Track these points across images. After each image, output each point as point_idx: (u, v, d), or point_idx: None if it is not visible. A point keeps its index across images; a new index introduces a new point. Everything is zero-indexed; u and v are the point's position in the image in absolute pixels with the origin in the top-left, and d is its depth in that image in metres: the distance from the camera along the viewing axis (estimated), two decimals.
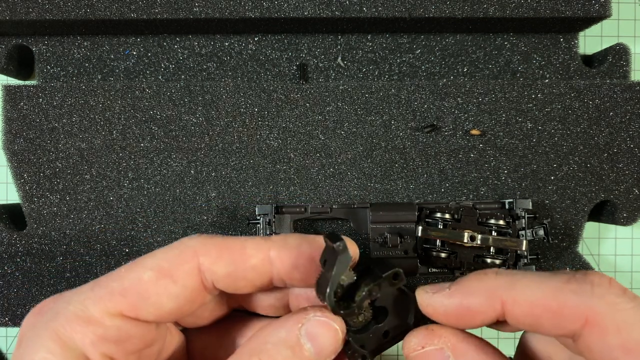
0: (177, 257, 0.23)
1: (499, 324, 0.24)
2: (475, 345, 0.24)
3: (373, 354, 0.26)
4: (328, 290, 0.23)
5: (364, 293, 0.24)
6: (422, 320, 0.26)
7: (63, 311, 0.21)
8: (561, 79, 0.42)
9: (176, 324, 0.28)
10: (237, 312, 0.30)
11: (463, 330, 0.25)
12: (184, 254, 0.23)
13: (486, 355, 0.24)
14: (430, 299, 0.24)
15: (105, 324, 0.21)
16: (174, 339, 0.27)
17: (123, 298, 0.22)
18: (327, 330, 0.23)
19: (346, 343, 0.25)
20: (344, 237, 0.24)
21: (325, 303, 0.23)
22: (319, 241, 0.25)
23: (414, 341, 0.25)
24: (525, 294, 0.22)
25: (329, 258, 0.23)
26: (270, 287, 0.26)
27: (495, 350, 0.24)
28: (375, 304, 0.26)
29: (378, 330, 0.26)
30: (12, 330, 0.45)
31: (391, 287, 0.24)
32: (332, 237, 0.23)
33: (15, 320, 0.40)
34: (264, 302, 0.28)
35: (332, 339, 0.23)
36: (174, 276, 0.22)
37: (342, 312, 0.24)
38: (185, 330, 0.28)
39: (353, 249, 0.24)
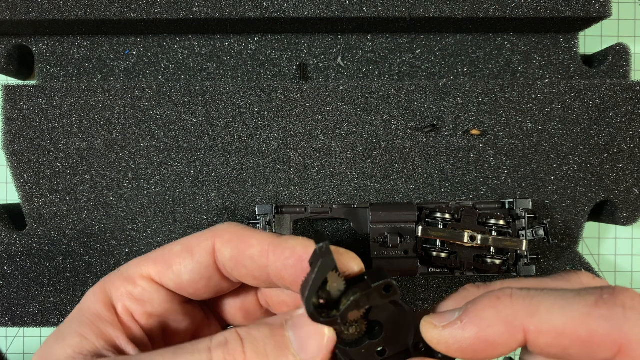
0: (202, 236, 0.26)
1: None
2: None
3: None
4: (307, 293, 0.22)
5: (349, 303, 0.22)
6: (422, 341, 0.24)
7: (115, 274, 0.26)
8: (561, 79, 0.42)
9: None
10: None
11: None
12: (206, 234, 0.26)
13: None
14: (440, 335, 0.22)
15: (136, 282, 0.26)
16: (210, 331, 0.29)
17: (154, 264, 0.26)
18: (314, 332, 0.23)
19: (334, 356, 0.23)
20: (353, 256, 0.23)
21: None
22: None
23: None
24: (551, 322, 0.20)
25: (313, 261, 0.22)
26: (270, 285, 0.26)
27: None
28: (370, 317, 0.24)
29: (372, 347, 0.24)
30: (12, 330, 0.45)
31: (382, 300, 0.23)
32: (317, 237, 0.23)
33: (15, 320, 0.40)
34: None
35: (318, 341, 0.23)
36: (193, 251, 0.25)
37: (321, 319, 0.22)
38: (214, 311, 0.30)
39: (357, 262, 0.24)
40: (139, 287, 0.26)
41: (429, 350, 0.24)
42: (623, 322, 0.19)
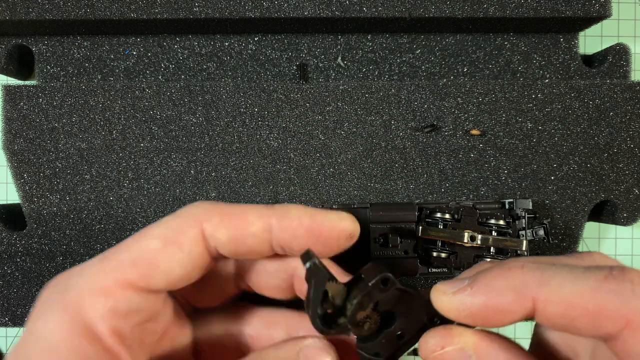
0: (182, 224, 0.23)
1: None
2: (497, 342, 0.23)
3: (391, 359, 0.24)
4: (310, 313, 0.22)
5: (353, 307, 0.23)
6: (437, 315, 0.24)
7: (75, 284, 0.22)
8: (561, 79, 0.42)
9: (187, 305, 0.28)
10: (243, 302, 0.30)
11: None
12: (187, 221, 0.23)
13: (510, 353, 0.22)
14: (450, 301, 0.22)
15: (116, 295, 0.21)
16: (181, 327, 0.27)
17: (134, 268, 0.22)
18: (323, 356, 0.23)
19: (359, 355, 0.24)
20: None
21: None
22: (321, 215, 0.24)
23: (432, 342, 0.23)
24: (560, 293, 0.20)
25: (308, 278, 0.23)
26: (271, 254, 0.26)
27: (518, 347, 0.23)
28: (380, 308, 0.24)
29: (390, 334, 0.25)
30: (12, 331, 0.45)
31: (383, 293, 0.23)
32: (304, 256, 0.22)
33: (15, 320, 0.40)
34: (270, 284, 0.28)
35: None
36: (180, 243, 0.23)
37: (332, 331, 0.23)
38: (192, 318, 0.28)
39: (348, 222, 0.24)
40: (121, 299, 0.21)
41: (445, 323, 0.24)
42: (631, 298, 0.19)
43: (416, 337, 0.25)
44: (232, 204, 0.25)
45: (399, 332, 0.25)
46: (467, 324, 0.23)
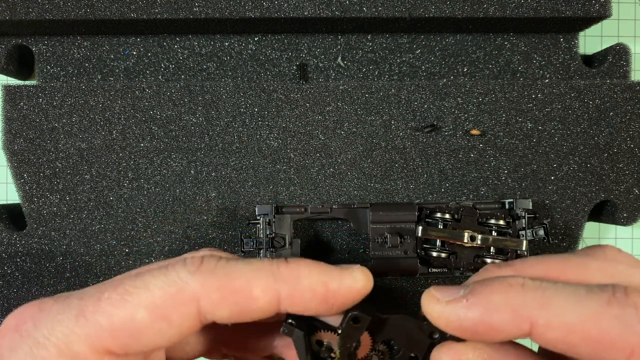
0: (174, 297, 0.20)
1: None
2: (513, 352, 0.22)
3: None
4: None
5: (339, 350, 0.23)
6: (433, 329, 0.24)
7: (45, 343, 0.20)
8: (561, 79, 0.42)
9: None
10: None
11: None
12: (181, 295, 0.20)
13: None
14: (442, 310, 0.21)
15: None
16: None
17: (113, 339, 0.20)
18: None
19: None
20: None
21: None
22: (336, 281, 0.22)
23: (445, 358, 0.22)
24: (562, 318, 0.19)
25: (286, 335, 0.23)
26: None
27: (528, 351, 0.22)
28: (377, 340, 0.24)
29: (403, 358, 0.24)
30: None
31: (361, 331, 0.23)
32: (286, 328, 0.23)
33: None
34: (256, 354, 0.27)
35: None
36: (170, 319, 0.20)
37: None
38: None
39: (356, 278, 0.23)
40: None
41: (444, 336, 0.24)
42: (636, 324, 0.18)
43: (427, 357, 0.24)
44: (233, 267, 0.22)
45: (412, 355, 0.24)
46: (452, 334, 0.22)
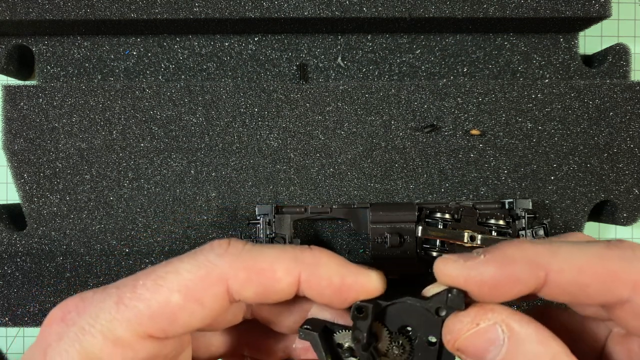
0: (204, 279, 0.22)
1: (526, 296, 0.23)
2: (526, 318, 0.22)
3: None
4: None
5: (353, 345, 0.23)
6: (439, 308, 0.24)
7: (90, 329, 0.21)
8: (561, 79, 0.42)
9: None
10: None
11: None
12: (211, 277, 0.22)
13: (538, 329, 0.22)
14: (462, 266, 0.22)
15: (135, 347, 0.21)
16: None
17: (152, 322, 0.21)
18: None
19: None
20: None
21: None
22: (351, 277, 0.24)
23: (467, 320, 0.22)
24: (571, 261, 0.21)
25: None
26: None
27: (541, 324, 0.23)
28: (391, 329, 0.25)
29: (420, 347, 0.24)
30: (12, 330, 0.45)
31: (366, 322, 0.23)
32: (301, 330, 0.24)
33: (15, 320, 0.40)
34: (284, 322, 0.28)
35: None
36: (202, 300, 0.22)
37: None
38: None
39: (372, 280, 0.24)
40: (140, 350, 0.21)
41: (450, 309, 0.24)
42: (634, 260, 0.20)
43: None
44: (257, 253, 0.23)
45: (431, 340, 0.24)
46: (473, 293, 0.22)
